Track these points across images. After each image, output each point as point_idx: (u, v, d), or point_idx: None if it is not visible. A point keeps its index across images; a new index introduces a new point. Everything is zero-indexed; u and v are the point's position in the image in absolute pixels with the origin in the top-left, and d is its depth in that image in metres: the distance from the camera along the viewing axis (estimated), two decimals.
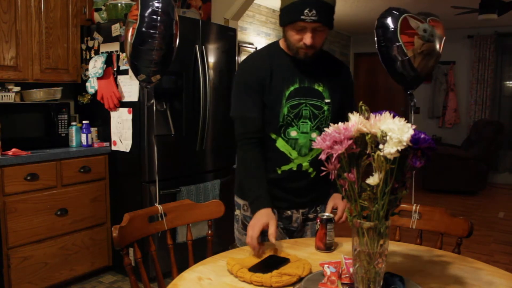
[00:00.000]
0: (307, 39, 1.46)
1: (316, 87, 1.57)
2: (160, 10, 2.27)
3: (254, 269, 1.24)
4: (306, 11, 1.41)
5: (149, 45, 2.30)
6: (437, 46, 2.40)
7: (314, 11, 1.41)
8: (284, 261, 1.30)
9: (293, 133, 1.55)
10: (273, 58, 1.59)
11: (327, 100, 1.57)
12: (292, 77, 1.56)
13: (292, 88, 1.55)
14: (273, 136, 1.57)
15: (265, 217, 1.44)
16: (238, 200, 1.72)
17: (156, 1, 2.27)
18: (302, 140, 1.55)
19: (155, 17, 2.27)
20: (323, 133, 1.05)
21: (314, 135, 1.56)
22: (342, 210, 1.46)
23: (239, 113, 1.59)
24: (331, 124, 1.06)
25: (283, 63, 1.58)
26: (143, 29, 2.26)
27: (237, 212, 1.72)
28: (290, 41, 1.52)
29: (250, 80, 1.58)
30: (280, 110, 1.53)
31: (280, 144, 1.56)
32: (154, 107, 2.59)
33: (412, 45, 2.38)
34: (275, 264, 1.28)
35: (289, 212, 1.66)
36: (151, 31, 2.27)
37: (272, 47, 1.65)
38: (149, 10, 2.26)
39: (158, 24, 2.27)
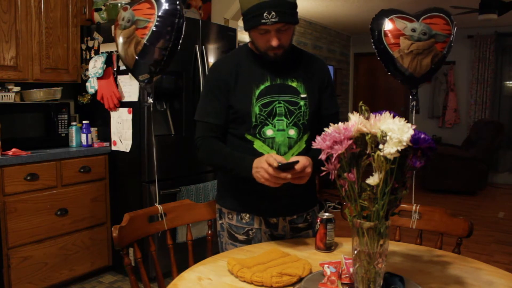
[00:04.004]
0: (273, 41, 1.45)
1: (289, 83, 1.55)
2: (178, 11, 2.31)
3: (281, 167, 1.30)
4: (265, 14, 1.39)
5: (162, 45, 2.31)
6: (433, 45, 2.39)
7: (273, 13, 1.39)
8: (294, 163, 1.33)
9: (269, 132, 1.51)
10: (241, 59, 1.58)
11: (303, 95, 1.55)
12: (262, 76, 1.54)
13: (262, 87, 1.52)
14: (249, 137, 1.53)
15: (262, 159, 1.36)
16: (222, 209, 1.66)
17: (172, 2, 2.29)
18: (280, 138, 1.51)
19: (173, 18, 2.29)
20: (323, 133, 1.05)
21: (291, 132, 1.52)
22: (302, 163, 1.34)
23: (198, 117, 1.59)
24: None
25: (252, 63, 1.57)
26: (160, 28, 2.28)
27: (222, 221, 1.66)
28: (257, 44, 1.51)
29: (212, 85, 1.57)
30: (251, 110, 1.51)
31: (258, 145, 1.52)
32: (153, 107, 2.59)
33: (397, 46, 2.39)
34: (289, 168, 1.32)
35: (274, 220, 1.61)
36: (168, 31, 2.29)
37: (240, 49, 1.64)
38: (167, 10, 2.28)
39: (176, 25, 2.30)
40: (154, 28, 2.27)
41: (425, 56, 2.39)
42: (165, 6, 2.29)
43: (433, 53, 2.40)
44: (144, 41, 2.29)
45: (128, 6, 2.40)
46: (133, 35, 2.32)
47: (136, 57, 2.34)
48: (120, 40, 2.38)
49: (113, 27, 3.01)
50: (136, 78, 2.47)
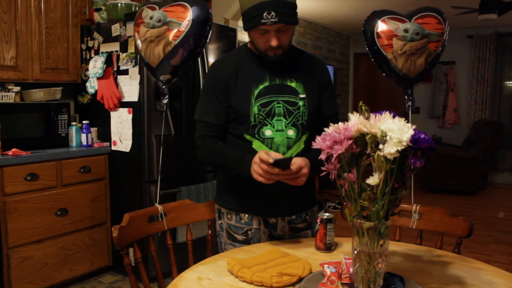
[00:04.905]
0: (273, 41, 1.45)
1: (288, 83, 1.55)
2: (210, 19, 2.40)
3: (276, 163, 1.30)
4: (265, 14, 1.39)
5: (190, 49, 2.39)
6: (426, 44, 2.39)
7: (273, 13, 1.39)
8: (289, 160, 1.34)
9: (268, 132, 1.51)
10: (241, 59, 1.58)
11: (302, 96, 1.55)
12: (262, 76, 1.54)
13: (261, 87, 1.52)
14: (248, 137, 1.53)
15: (256, 156, 1.36)
16: (221, 209, 1.66)
17: (205, 10, 2.38)
18: (279, 139, 1.51)
19: (205, 25, 2.38)
20: (323, 133, 1.05)
21: (290, 132, 1.52)
22: (297, 164, 1.35)
23: (198, 116, 1.60)
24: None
25: (251, 63, 1.57)
26: (193, 33, 2.35)
27: (221, 221, 1.66)
28: (257, 44, 1.51)
29: (212, 85, 1.58)
30: (250, 110, 1.51)
31: (256, 145, 1.52)
32: (164, 107, 2.63)
33: (391, 47, 2.40)
34: (286, 164, 1.32)
35: (273, 220, 1.61)
36: (199, 36, 2.38)
37: (240, 49, 1.65)
38: (201, 16, 2.36)
39: (206, 32, 2.40)
40: (188, 32, 2.33)
41: (418, 56, 2.40)
42: (199, 12, 2.36)
43: (427, 53, 2.41)
44: (176, 42, 2.34)
45: (156, 6, 2.43)
46: (163, 35, 2.36)
47: (163, 57, 2.39)
48: (145, 38, 2.40)
49: (112, 26, 3.02)
50: (157, 77, 2.52)
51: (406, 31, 2.35)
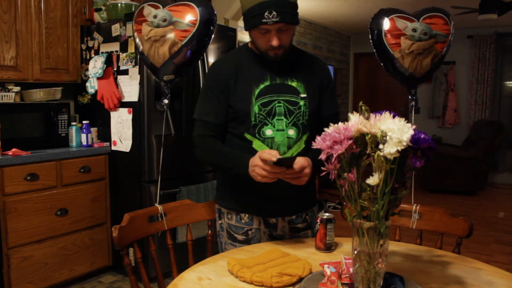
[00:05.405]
0: (273, 40, 1.45)
1: (289, 83, 1.55)
2: (214, 20, 2.43)
3: (279, 162, 1.29)
4: (266, 13, 1.40)
5: (195, 49, 2.39)
6: (433, 45, 2.40)
7: (274, 12, 1.39)
8: (292, 159, 1.34)
9: (269, 132, 1.51)
10: (241, 59, 1.58)
11: (303, 95, 1.55)
12: (262, 75, 1.54)
13: (262, 86, 1.52)
14: (249, 137, 1.53)
15: (256, 157, 1.36)
16: (221, 209, 1.66)
17: (210, 11, 2.42)
18: (279, 138, 1.51)
19: (210, 25, 2.41)
20: (323, 133, 1.05)
21: (291, 132, 1.52)
22: (300, 163, 1.35)
23: (198, 116, 1.60)
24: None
25: (252, 63, 1.57)
26: (199, 34, 2.36)
27: (221, 221, 1.66)
28: (258, 44, 1.51)
29: (212, 84, 1.58)
30: (250, 109, 1.51)
31: (257, 145, 1.52)
32: (165, 107, 2.64)
33: (398, 46, 2.40)
34: (289, 163, 1.32)
35: (274, 220, 1.61)
36: (204, 37, 2.40)
37: (240, 49, 1.65)
38: (206, 17, 2.38)
39: (210, 33, 2.43)
40: (194, 33, 2.33)
41: (425, 56, 2.40)
42: (205, 13, 2.37)
43: (433, 53, 2.41)
44: (183, 43, 2.34)
45: (159, 5, 2.41)
46: (168, 35, 2.34)
47: (169, 57, 2.38)
48: (149, 37, 2.38)
49: (112, 26, 3.02)
50: (160, 77, 2.51)
51: (414, 30, 2.35)
